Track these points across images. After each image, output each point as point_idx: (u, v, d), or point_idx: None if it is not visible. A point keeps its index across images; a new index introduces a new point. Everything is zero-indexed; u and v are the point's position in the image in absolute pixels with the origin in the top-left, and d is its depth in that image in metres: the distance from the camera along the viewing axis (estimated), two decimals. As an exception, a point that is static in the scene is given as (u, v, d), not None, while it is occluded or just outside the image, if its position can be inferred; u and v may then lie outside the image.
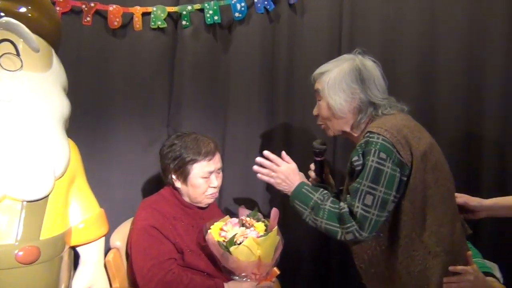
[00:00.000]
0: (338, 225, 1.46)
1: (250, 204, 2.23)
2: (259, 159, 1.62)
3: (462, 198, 1.69)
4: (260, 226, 1.70)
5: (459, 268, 1.49)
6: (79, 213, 1.80)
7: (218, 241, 1.65)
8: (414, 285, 1.49)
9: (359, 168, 1.48)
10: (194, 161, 1.78)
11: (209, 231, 1.68)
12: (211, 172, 1.81)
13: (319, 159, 1.78)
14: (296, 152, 2.29)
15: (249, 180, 2.33)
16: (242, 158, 2.35)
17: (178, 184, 1.82)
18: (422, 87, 2.28)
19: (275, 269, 1.80)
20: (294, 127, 2.37)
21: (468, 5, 2.23)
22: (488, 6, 2.21)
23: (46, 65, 1.72)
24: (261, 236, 1.65)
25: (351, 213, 1.45)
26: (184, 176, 1.79)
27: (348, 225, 1.44)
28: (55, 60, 1.80)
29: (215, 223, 1.73)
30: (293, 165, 1.61)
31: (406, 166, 1.46)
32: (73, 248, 1.82)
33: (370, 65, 1.60)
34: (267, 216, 1.83)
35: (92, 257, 1.83)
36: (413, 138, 1.49)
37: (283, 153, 1.63)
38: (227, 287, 1.69)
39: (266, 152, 1.62)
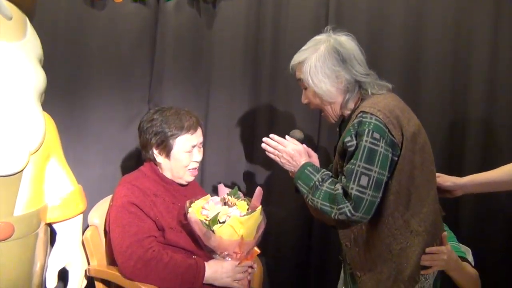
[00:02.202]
0: (330, 205, 1.47)
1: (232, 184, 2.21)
2: (265, 139, 1.63)
3: (438, 178, 1.69)
4: (242, 205, 1.67)
5: (434, 248, 1.53)
6: (56, 190, 1.75)
7: (201, 220, 1.61)
8: (394, 262, 1.50)
9: (352, 148, 1.47)
10: (177, 135, 1.75)
11: (190, 209, 1.65)
12: (193, 146, 1.79)
13: None
14: (281, 130, 2.22)
15: (231, 157, 2.32)
16: (225, 134, 2.33)
17: (160, 159, 1.78)
18: (409, 62, 2.28)
19: (256, 248, 1.78)
20: (278, 103, 2.34)
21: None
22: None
23: (19, 34, 1.64)
24: (244, 215, 1.63)
25: (346, 194, 1.45)
26: (167, 150, 1.76)
27: (341, 205, 1.44)
28: (30, 29, 1.71)
29: (196, 201, 1.69)
30: (299, 146, 1.60)
31: (397, 146, 1.46)
32: (50, 225, 1.78)
33: (346, 41, 1.57)
34: (247, 194, 1.81)
35: (69, 234, 1.79)
36: (404, 119, 1.49)
37: (287, 137, 1.63)
38: (208, 266, 1.67)
39: (272, 136, 1.63)
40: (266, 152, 1.63)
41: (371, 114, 1.46)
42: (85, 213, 1.85)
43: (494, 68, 2.22)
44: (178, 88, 2.30)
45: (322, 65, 1.54)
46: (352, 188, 1.43)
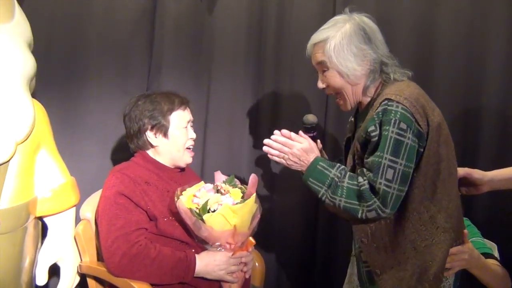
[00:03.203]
0: (358, 202, 1.38)
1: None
2: (267, 140, 1.50)
3: (463, 170, 1.60)
4: (236, 193, 1.57)
5: (454, 249, 1.47)
6: (47, 182, 1.68)
7: (190, 208, 1.52)
8: (418, 260, 1.42)
9: (375, 139, 1.38)
10: (171, 110, 1.71)
11: (180, 197, 1.55)
12: (188, 122, 1.75)
13: (310, 134, 1.64)
14: (284, 119, 2.21)
15: (233, 148, 2.24)
16: (226, 124, 2.25)
17: (156, 141, 1.71)
18: (420, 53, 2.19)
19: (251, 239, 1.68)
20: (282, 93, 2.25)
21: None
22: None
23: (6, 16, 1.56)
24: (237, 203, 1.53)
25: (372, 189, 1.36)
26: (164, 130, 1.70)
27: (370, 202, 1.36)
28: (18, 12, 1.63)
29: (188, 189, 1.60)
30: (305, 144, 1.48)
31: (423, 137, 1.38)
32: (41, 219, 1.70)
33: (369, 21, 1.50)
34: (246, 183, 1.70)
35: (61, 229, 1.71)
36: (429, 109, 1.41)
37: (293, 134, 1.50)
38: (199, 259, 1.57)
39: (274, 137, 1.50)
40: (269, 156, 1.51)
41: (397, 102, 1.37)
42: (79, 207, 1.78)
43: (510, 59, 2.13)
44: (177, 77, 2.21)
45: (348, 42, 1.44)
46: (380, 183, 1.34)
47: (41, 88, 2.08)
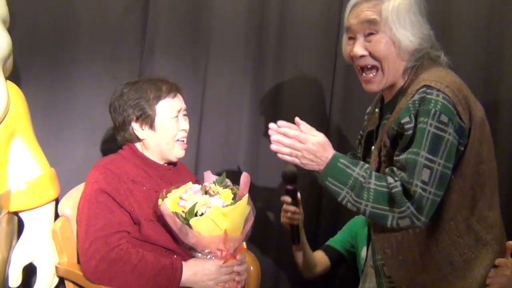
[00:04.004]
0: (388, 208, 1.18)
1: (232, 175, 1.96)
2: (276, 137, 1.25)
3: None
4: (226, 194, 1.41)
5: (497, 261, 1.28)
6: (22, 173, 1.56)
7: (176, 212, 1.36)
8: (456, 277, 1.24)
9: (409, 132, 1.19)
10: (157, 99, 1.54)
11: (165, 200, 1.39)
12: (179, 111, 1.58)
13: (292, 187, 1.59)
14: (287, 110, 2.05)
15: (231, 142, 2.08)
16: (224, 116, 2.08)
17: (143, 134, 1.55)
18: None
19: (243, 244, 1.53)
20: (284, 81, 2.09)
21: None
22: None
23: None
24: (227, 205, 1.37)
25: (406, 192, 1.17)
26: (150, 121, 1.53)
27: (403, 208, 1.16)
28: (-11, -17, 1.47)
29: (173, 191, 1.44)
30: (320, 138, 1.25)
31: (465, 133, 1.21)
32: (17, 214, 1.57)
33: None
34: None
35: (37, 225, 1.59)
36: (472, 101, 1.24)
37: (303, 127, 1.26)
38: (186, 267, 1.42)
39: (284, 131, 1.25)
40: (279, 155, 1.26)
41: (438, 90, 1.18)
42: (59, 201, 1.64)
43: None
44: (172, 62, 2.06)
45: (408, 8, 1.27)
46: (416, 185, 1.16)
47: (24, 71, 1.98)
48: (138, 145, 1.59)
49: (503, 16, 1.99)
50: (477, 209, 1.24)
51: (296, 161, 1.25)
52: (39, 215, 1.57)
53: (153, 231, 1.45)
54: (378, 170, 1.30)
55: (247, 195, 1.42)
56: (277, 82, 2.09)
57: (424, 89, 1.20)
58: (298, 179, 1.56)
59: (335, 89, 2.05)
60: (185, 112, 1.63)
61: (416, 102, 1.20)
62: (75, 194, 1.58)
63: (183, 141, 1.60)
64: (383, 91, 1.38)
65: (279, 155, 1.27)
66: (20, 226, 1.61)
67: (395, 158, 1.22)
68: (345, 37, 1.37)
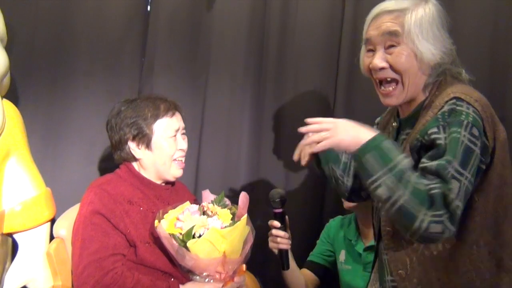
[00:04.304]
0: (423, 207, 1.07)
1: (232, 194, 1.92)
2: (303, 128, 1.22)
3: None
4: (225, 215, 1.37)
5: None
6: (17, 193, 1.54)
7: (173, 234, 1.32)
8: None
9: (439, 142, 1.12)
10: (155, 117, 1.51)
11: (162, 221, 1.35)
12: (177, 131, 1.55)
13: (279, 210, 1.55)
14: (288, 126, 2.03)
15: (231, 160, 2.04)
16: (224, 134, 2.05)
17: (139, 153, 1.53)
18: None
19: (243, 266, 1.48)
20: (285, 97, 2.06)
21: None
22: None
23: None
24: (226, 226, 1.33)
25: (445, 198, 1.08)
26: (147, 140, 1.51)
27: (440, 212, 1.06)
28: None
29: (170, 211, 1.40)
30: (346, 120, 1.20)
31: (488, 152, 1.15)
32: (11, 236, 1.54)
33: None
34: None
35: (32, 247, 1.54)
36: (497, 120, 1.19)
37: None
38: None
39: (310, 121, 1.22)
40: (314, 147, 1.19)
41: (468, 103, 1.14)
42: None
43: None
44: (171, 80, 2.04)
45: (431, 21, 1.22)
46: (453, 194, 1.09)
47: (22, 90, 1.96)
48: (135, 164, 1.56)
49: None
50: (500, 233, 1.18)
51: (330, 141, 1.16)
52: (33, 236, 1.53)
53: (149, 254, 1.41)
54: None
55: (246, 215, 1.38)
56: (278, 99, 2.06)
57: (454, 100, 1.16)
58: (286, 202, 1.53)
59: (336, 104, 2.02)
60: (183, 131, 1.61)
61: (446, 113, 1.15)
62: (71, 215, 1.54)
63: (181, 160, 1.58)
64: (400, 106, 1.33)
65: (314, 147, 1.20)
66: (14, 247, 1.58)
67: (421, 165, 1.14)
68: (363, 49, 1.33)
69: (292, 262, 1.68)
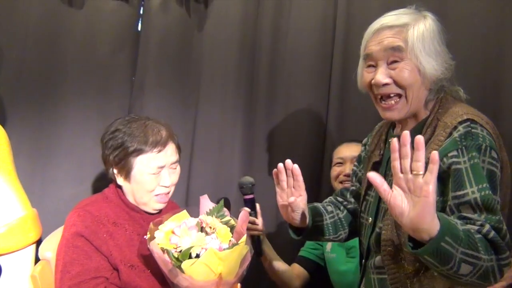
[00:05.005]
0: (492, 257, 1.01)
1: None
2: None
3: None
4: (224, 233, 1.31)
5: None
6: (2, 215, 1.50)
7: (167, 250, 1.26)
8: None
9: (459, 166, 1.10)
10: (138, 152, 1.42)
11: (156, 233, 1.29)
12: (161, 167, 1.46)
13: (250, 196, 1.64)
14: (279, 145, 2.02)
15: (222, 178, 2.03)
16: (215, 154, 2.04)
17: (120, 180, 1.47)
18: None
19: (238, 285, 1.43)
20: (277, 116, 2.05)
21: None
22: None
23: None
24: (225, 249, 1.28)
25: (499, 233, 1.04)
26: (126, 171, 1.44)
27: (505, 255, 1.02)
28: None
29: (166, 222, 1.33)
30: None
31: None
32: (-5, 258, 1.49)
33: None
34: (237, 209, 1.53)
35: (16, 270, 1.50)
36: (501, 142, 1.18)
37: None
38: None
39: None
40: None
41: (481, 126, 1.14)
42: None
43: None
44: (162, 98, 2.04)
45: (432, 36, 1.21)
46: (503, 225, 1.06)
47: (10, 109, 1.95)
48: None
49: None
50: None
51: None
52: (18, 259, 1.50)
53: (133, 277, 1.36)
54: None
55: (245, 235, 1.33)
56: (269, 117, 2.05)
57: (468, 123, 1.14)
58: (255, 188, 1.61)
59: (329, 121, 2.01)
60: (173, 166, 1.51)
61: (462, 136, 1.12)
62: (56, 237, 1.50)
63: (165, 193, 1.49)
64: (400, 122, 1.30)
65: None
66: (-1, 270, 1.54)
67: (454, 201, 1.09)
68: (362, 64, 1.30)
69: (269, 251, 1.72)
